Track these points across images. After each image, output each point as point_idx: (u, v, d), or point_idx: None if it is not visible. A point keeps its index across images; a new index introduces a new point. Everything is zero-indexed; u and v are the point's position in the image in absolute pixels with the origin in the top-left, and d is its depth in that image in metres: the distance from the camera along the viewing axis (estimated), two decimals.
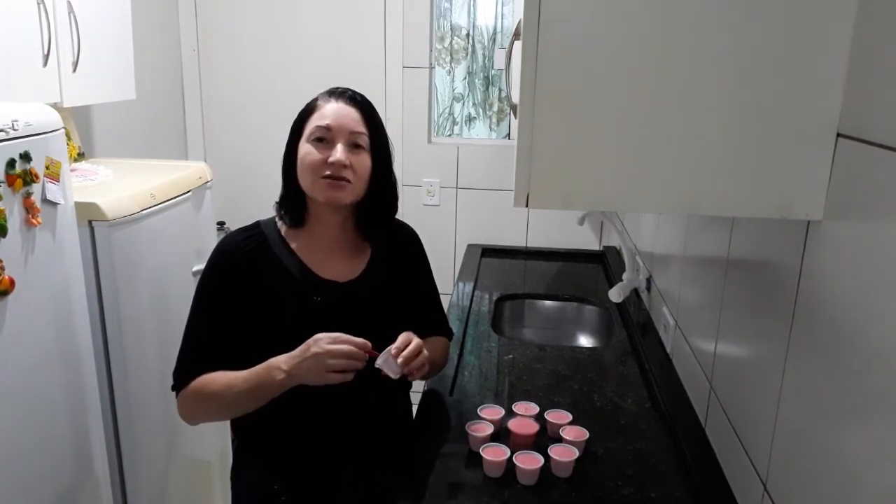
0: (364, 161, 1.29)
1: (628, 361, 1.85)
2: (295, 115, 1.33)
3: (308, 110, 1.31)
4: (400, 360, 1.22)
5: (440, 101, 3.25)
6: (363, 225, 1.37)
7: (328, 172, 1.25)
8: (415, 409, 1.54)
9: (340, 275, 1.33)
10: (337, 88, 1.33)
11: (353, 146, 1.28)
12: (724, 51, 0.90)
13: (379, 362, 1.23)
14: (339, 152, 1.25)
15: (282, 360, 1.21)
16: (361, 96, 1.33)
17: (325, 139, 1.27)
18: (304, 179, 1.29)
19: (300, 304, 1.28)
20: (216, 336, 1.29)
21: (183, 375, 1.29)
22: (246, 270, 1.29)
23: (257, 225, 1.36)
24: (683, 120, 0.93)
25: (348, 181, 1.27)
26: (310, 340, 1.19)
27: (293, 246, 1.33)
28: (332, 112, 1.28)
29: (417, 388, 1.52)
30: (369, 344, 1.21)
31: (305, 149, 1.28)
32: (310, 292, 1.29)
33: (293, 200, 1.33)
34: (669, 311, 1.77)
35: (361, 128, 1.28)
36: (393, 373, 1.23)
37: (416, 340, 1.26)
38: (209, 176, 2.22)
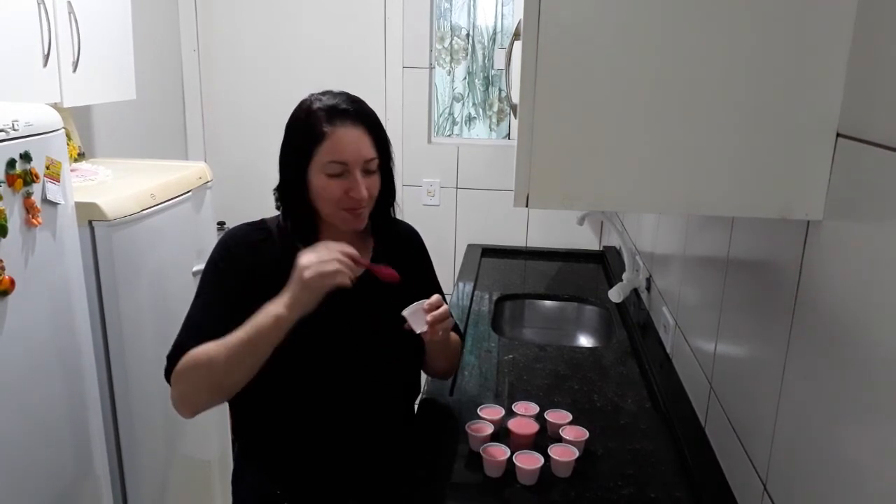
0: (376, 182, 1.29)
1: (628, 361, 1.85)
2: None
3: (315, 137, 1.23)
4: (430, 317, 1.23)
5: (440, 101, 3.25)
6: (369, 223, 1.37)
7: (349, 206, 1.26)
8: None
9: None
10: (337, 104, 1.25)
11: (366, 171, 1.26)
12: (724, 51, 0.90)
13: (406, 312, 1.24)
14: (361, 189, 1.24)
15: (277, 298, 1.18)
16: (361, 106, 1.28)
17: (341, 173, 1.24)
18: (323, 208, 1.28)
19: None
20: (218, 320, 1.24)
21: (172, 358, 1.23)
22: (253, 259, 1.29)
23: (263, 221, 1.36)
24: (683, 120, 0.93)
25: (366, 207, 1.28)
26: (297, 260, 1.18)
27: (298, 243, 1.33)
28: (345, 144, 1.23)
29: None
30: (356, 252, 1.21)
31: (321, 182, 1.25)
32: None
33: (305, 223, 1.31)
34: (669, 311, 1.77)
35: (373, 153, 1.26)
36: (417, 326, 1.24)
37: (445, 305, 1.28)
38: (209, 176, 2.22)
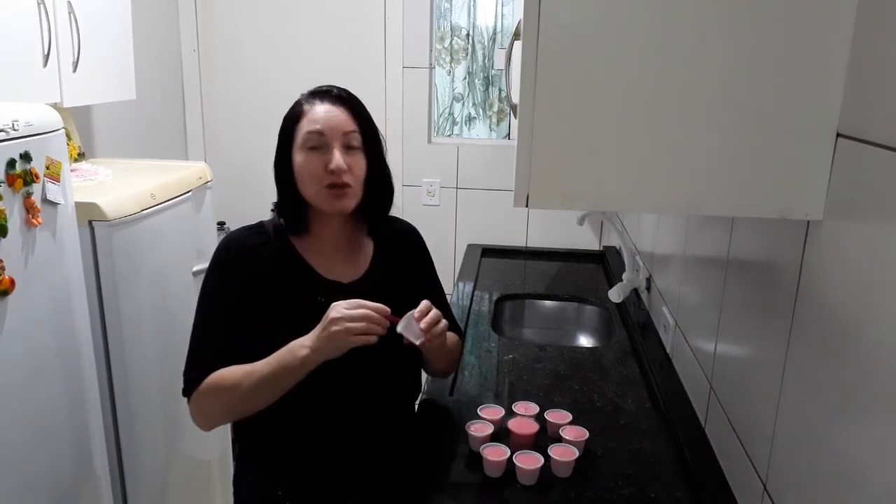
0: (360, 161, 1.29)
1: (628, 361, 1.85)
2: None
3: (295, 116, 1.28)
4: (423, 324, 1.23)
5: (440, 101, 3.25)
6: (363, 222, 1.37)
7: (330, 181, 1.25)
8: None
9: (344, 275, 1.33)
10: (320, 88, 1.30)
11: (347, 147, 1.27)
12: (724, 51, 0.90)
13: (400, 327, 1.23)
14: (337, 158, 1.24)
15: (303, 338, 1.20)
16: (346, 92, 1.31)
17: (319, 146, 1.25)
18: (306, 189, 1.28)
19: (304, 304, 1.28)
20: (226, 330, 1.27)
21: (194, 373, 1.26)
22: (252, 265, 1.29)
23: (261, 224, 1.36)
24: (683, 120, 0.93)
25: (349, 185, 1.27)
26: (328, 310, 1.18)
27: (297, 247, 1.33)
28: (322, 116, 1.25)
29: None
30: (388, 309, 1.21)
31: (301, 158, 1.26)
32: (313, 293, 1.29)
33: (293, 208, 1.31)
34: (669, 311, 1.77)
35: (353, 126, 1.27)
36: (415, 337, 1.23)
37: (436, 309, 1.27)
38: (209, 176, 2.22)
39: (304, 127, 1.26)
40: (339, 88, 1.31)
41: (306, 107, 1.28)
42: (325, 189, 1.26)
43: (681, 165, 0.94)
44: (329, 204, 1.27)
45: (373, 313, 1.18)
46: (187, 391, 1.28)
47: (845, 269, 0.86)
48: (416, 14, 2.84)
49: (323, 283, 1.31)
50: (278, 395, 1.22)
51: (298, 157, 1.27)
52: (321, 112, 1.26)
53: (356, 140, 1.28)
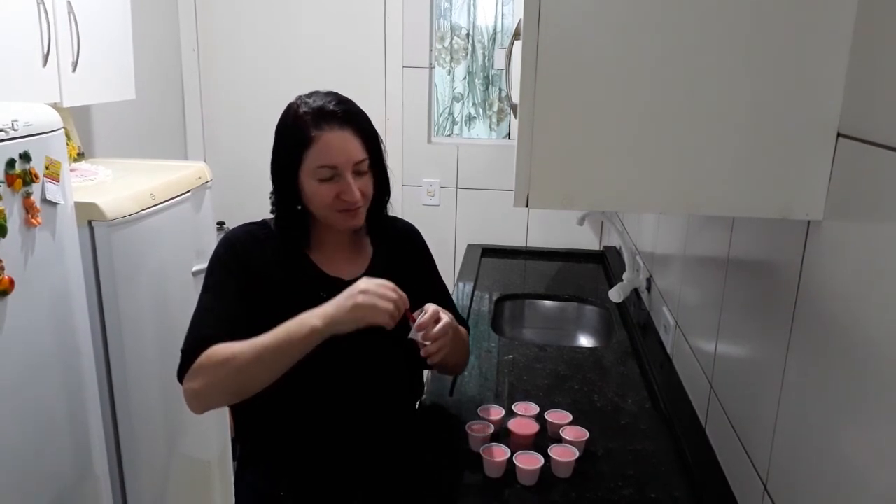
0: (369, 182, 1.30)
1: (628, 361, 1.85)
2: None
3: (302, 141, 1.23)
4: (425, 334, 1.22)
5: (440, 101, 3.25)
6: (365, 223, 1.37)
7: (343, 207, 1.26)
8: None
9: (345, 272, 1.34)
10: (322, 106, 1.24)
11: (357, 173, 1.27)
12: (724, 51, 0.90)
13: (413, 334, 1.23)
14: (353, 190, 1.24)
15: (314, 310, 1.17)
16: (349, 107, 1.27)
17: (331, 177, 1.25)
18: (317, 211, 1.29)
19: (306, 300, 1.27)
20: (226, 319, 1.24)
21: (191, 350, 1.21)
22: (255, 258, 1.29)
23: (265, 222, 1.36)
24: (684, 120, 0.93)
25: (361, 206, 1.29)
26: (357, 282, 1.18)
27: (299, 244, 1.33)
28: (334, 147, 1.23)
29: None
30: (408, 304, 1.21)
31: (313, 187, 1.25)
32: (316, 289, 1.29)
33: (298, 223, 1.32)
34: (669, 311, 1.77)
35: (363, 155, 1.26)
36: (423, 342, 1.24)
37: (445, 319, 1.26)
38: (209, 176, 2.22)
39: (316, 159, 1.23)
40: (339, 101, 1.26)
41: (314, 133, 1.23)
42: (336, 212, 1.27)
43: (681, 165, 0.94)
44: (342, 224, 1.30)
45: (399, 300, 1.18)
46: (182, 369, 1.22)
47: (846, 269, 0.86)
48: (416, 14, 2.84)
49: (325, 279, 1.31)
50: (278, 370, 1.18)
51: (309, 185, 1.26)
52: (332, 143, 1.23)
53: (366, 165, 1.28)
